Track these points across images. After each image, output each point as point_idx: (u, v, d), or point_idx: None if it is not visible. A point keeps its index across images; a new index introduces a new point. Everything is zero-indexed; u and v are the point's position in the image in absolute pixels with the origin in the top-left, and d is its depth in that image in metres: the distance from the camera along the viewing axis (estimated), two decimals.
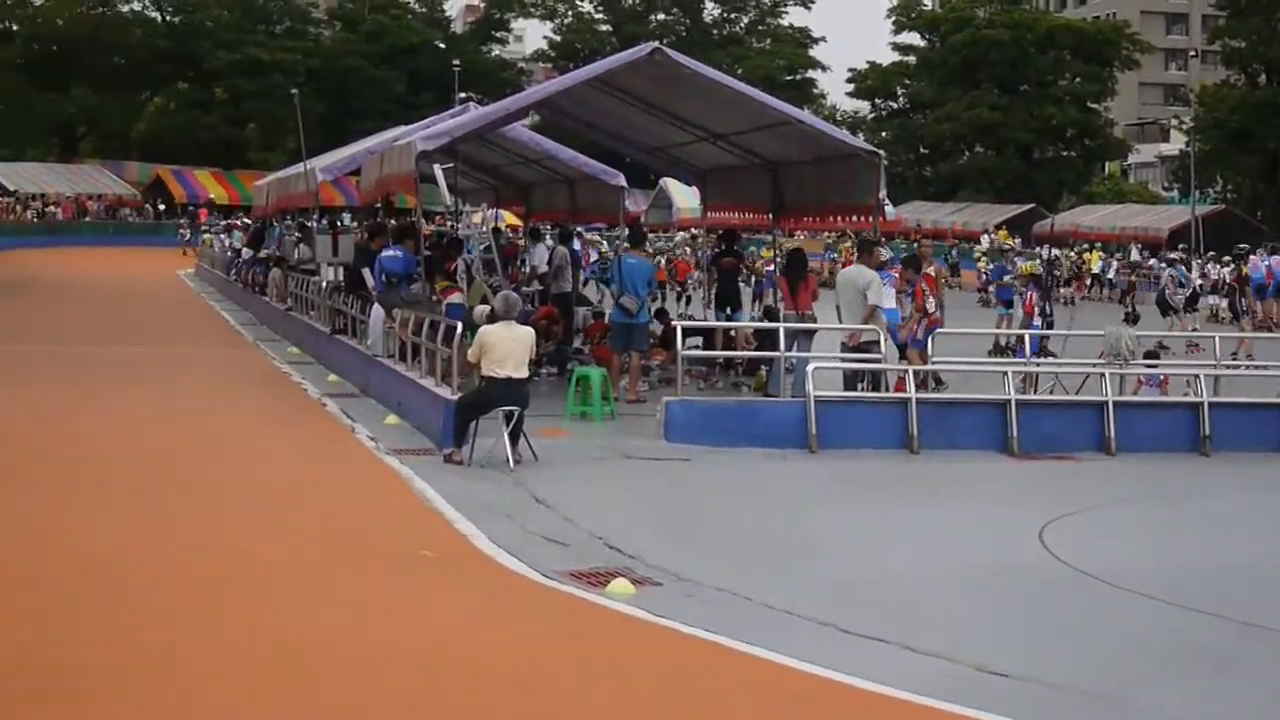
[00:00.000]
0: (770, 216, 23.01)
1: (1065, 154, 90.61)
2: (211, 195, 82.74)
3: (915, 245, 38.88)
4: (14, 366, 23.10)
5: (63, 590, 9.25)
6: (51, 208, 75.99)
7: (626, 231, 22.82)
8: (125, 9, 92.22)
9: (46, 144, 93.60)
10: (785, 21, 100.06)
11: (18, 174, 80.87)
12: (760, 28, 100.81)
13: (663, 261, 47.11)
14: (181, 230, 72.22)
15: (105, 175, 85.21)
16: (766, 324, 20.41)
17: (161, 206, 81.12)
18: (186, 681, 7.48)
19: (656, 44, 18.42)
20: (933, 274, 20.75)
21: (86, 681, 7.33)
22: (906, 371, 17.13)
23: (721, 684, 8.16)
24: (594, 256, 42.67)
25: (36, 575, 9.62)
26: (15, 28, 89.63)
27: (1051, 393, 18.65)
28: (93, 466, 14.25)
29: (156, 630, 8.43)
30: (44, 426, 16.97)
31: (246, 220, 59.90)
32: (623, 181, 24.86)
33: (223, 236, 59.75)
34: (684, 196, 50.37)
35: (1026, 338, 21.45)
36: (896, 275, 20.95)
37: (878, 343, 17.32)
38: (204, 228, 69.59)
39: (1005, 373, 17.33)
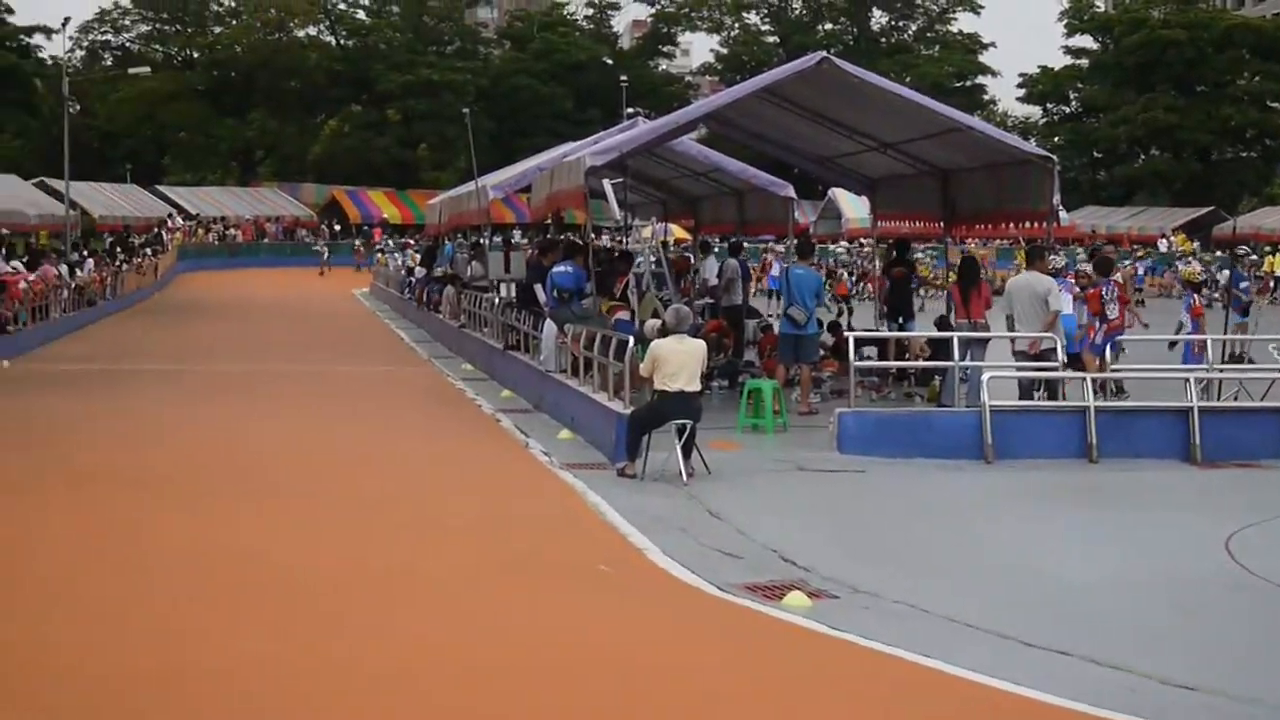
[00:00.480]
0: (941, 225, 22.77)
1: (1245, 155, 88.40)
2: (385, 215, 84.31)
3: (1097, 248, 38.08)
4: (209, 386, 23.85)
5: (259, 601, 9.49)
6: (232, 230, 78.09)
7: (795, 243, 22.78)
8: (301, 34, 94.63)
9: (226, 168, 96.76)
10: (954, 28, 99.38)
11: (199, 197, 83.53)
12: (928, 34, 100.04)
13: (844, 275, 46.79)
14: (317, 249, 73.74)
15: (282, 197, 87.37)
16: (939, 333, 20.20)
17: (337, 227, 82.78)
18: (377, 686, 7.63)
19: (824, 54, 18.36)
20: (1120, 279, 20.34)
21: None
22: (1084, 379, 16.80)
23: (904, 697, 8.08)
24: (776, 269, 42.20)
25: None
26: (196, 55, 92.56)
27: (1236, 399, 18.17)
28: (273, 479, 14.69)
29: (337, 641, 8.61)
30: (238, 441, 17.51)
31: (415, 239, 60.92)
32: (791, 192, 24.76)
33: (396, 255, 61.04)
34: (853, 207, 50.29)
35: (1209, 344, 20.87)
36: (1072, 280, 20.60)
37: (1055, 350, 17.03)
38: (378, 247, 70.89)
39: (1187, 379, 16.93)
